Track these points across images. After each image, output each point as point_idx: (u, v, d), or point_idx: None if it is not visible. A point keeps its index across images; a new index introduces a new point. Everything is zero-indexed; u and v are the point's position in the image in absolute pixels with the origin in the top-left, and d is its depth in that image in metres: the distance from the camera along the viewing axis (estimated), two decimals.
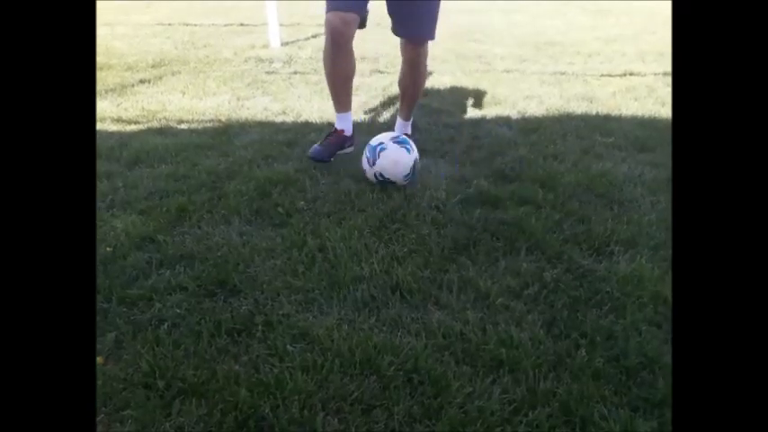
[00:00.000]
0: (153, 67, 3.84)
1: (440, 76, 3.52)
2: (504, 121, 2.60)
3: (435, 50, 4.00)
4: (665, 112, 2.76)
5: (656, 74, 3.58)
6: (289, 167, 2.02)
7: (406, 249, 1.48)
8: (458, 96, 3.04)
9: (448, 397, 1.00)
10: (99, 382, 1.04)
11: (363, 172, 1.88)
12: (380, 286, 1.31)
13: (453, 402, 0.99)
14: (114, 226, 1.60)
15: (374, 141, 1.89)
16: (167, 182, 1.89)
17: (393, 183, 1.84)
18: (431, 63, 3.85)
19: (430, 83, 3.39)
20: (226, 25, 5.79)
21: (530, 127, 2.51)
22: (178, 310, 1.23)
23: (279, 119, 2.67)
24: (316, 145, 2.02)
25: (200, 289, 1.31)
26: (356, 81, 3.34)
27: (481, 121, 2.61)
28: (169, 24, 5.83)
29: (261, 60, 4.05)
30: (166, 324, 1.19)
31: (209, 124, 2.59)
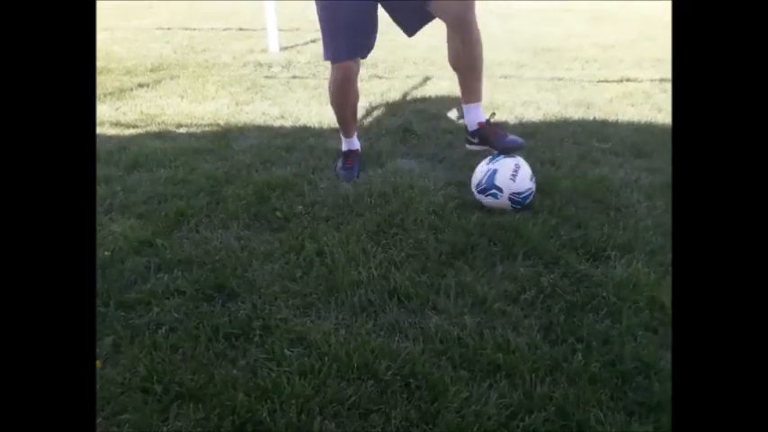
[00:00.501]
0: (152, 71, 3.85)
1: (438, 81, 3.53)
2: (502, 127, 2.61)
3: (434, 56, 4.02)
4: (662, 117, 2.78)
5: (652, 80, 3.60)
6: (287, 172, 2.03)
7: (403, 254, 1.48)
8: (456, 102, 3.05)
9: (445, 401, 1.00)
10: (97, 387, 1.04)
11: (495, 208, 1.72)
12: (378, 291, 1.32)
13: (450, 407, 0.99)
14: (113, 230, 1.60)
15: (478, 178, 1.72)
16: (166, 186, 1.90)
17: (528, 190, 1.72)
18: (429, 68, 3.90)
19: (428, 88, 3.41)
20: (225, 30, 5.81)
21: (527, 132, 2.52)
22: (176, 315, 1.23)
23: (277, 123, 2.67)
24: (342, 171, 2.00)
25: (198, 293, 1.31)
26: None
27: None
28: (168, 29, 5.85)
29: (260, 65, 4.06)
30: (164, 328, 1.19)
31: (207, 128, 2.60)
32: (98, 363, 1.12)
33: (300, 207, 1.75)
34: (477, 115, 1.94)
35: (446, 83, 3.50)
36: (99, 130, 2.57)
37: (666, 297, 1.28)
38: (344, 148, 2.12)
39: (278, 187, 1.88)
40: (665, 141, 2.37)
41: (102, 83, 3.45)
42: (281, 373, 1.06)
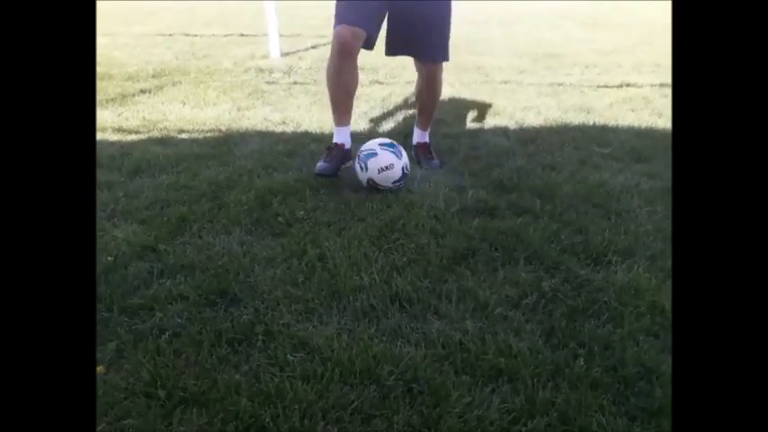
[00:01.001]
0: (154, 77, 3.87)
1: None
2: (503, 132, 2.63)
3: None
4: (662, 122, 2.80)
5: (652, 85, 3.62)
6: (288, 177, 2.04)
7: (405, 259, 1.49)
8: (456, 107, 3.07)
9: (447, 406, 1.00)
10: (100, 392, 1.04)
11: (356, 176, 1.94)
12: (380, 296, 1.32)
13: (452, 412, 0.99)
14: (115, 235, 1.61)
15: (365, 147, 1.94)
16: (168, 192, 1.91)
17: (385, 187, 1.89)
18: None
19: None
20: (226, 36, 5.85)
21: (527, 137, 2.54)
22: (179, 320, 1.24)
23: (279, 129, 2.69)
24: (320, 162, 1.99)
25: (201, 298, 1.32)
26: (356, 91, 3.38)
27: (479, 132, 2.64)
28: (170, 35, 5.88)
29: (261, 71, 4.08)
30: (167, 333, 1.19)
31: (209, 134, 2.61)
32: (102, 368, 1.12)
33: (302, 212, 1.76)
34: (421, 137, 2.29)
35: (445, 89, 3.50)
36: (101, 135, 2.59)
37: (667, 302, 1.29)
38: (334, 139, 2.06)
39: (279, 192, 1.89)
40: (666, 146, 2.38)
41: (105, 88, 3.47)
42: (283, 378, 1.07)
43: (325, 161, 2.00)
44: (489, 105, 3.09)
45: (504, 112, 2.95)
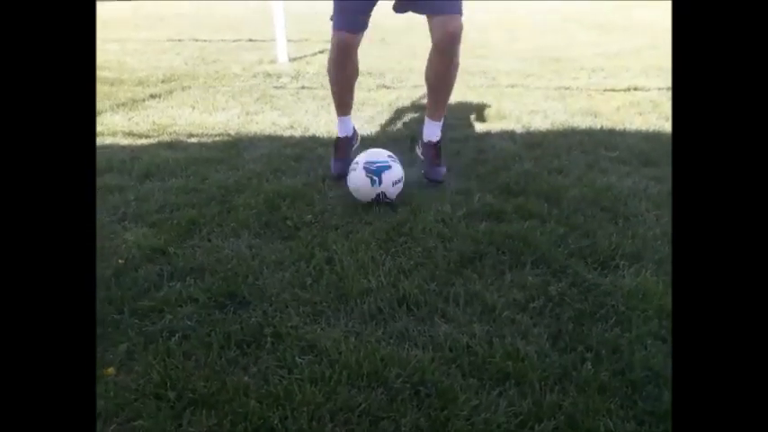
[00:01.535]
0: (163, 82, 3.91)
1: None
2: (509, 136, 2.63)
3: None
4: (669, 126, 2.78)
5: (659, 88, 3.60)
6: (297, 181, 2.05)
7: (412, 262, 1.49)
8: (463, 111, 3.08)
9: (455, 409, 1.01)
10: (111, 393, 1.06)
11: (354, 186, 1.84)
12: (387, 299, 1.33)
13: (460, 415, 1.00)
14: (126, 238, 1.63)
15: (372, 159, 1.84)
16: (178, 195, 1.93)
17: (390, 200, 1.85)
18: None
19: None
20: (234, 41, 5.90)
21: (534, 141, 2.54)
22: (189, 322, 1.25)
23: (287, 133, 2.71)
24: (333, 161, 2.06)
25: (211, 301, 1.33)
26: (363, 96, 3.41)
27: (486, 136, 2.64)
28: (179, 40, 5.95)
29: (269, 75, 4.12)
30: (177, 335, 1.21)
31: (218, 138, 2.64)
32: (112, 369, 1.14)
33: (310, 216, 1.77)
34: (431, 133, 2.06)
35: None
36: (112, 139, 2.62)
37: None
38: (337, 132, 2.12)
39: (288, 196, 1.90)
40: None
41: (115, 94, 3.51)
42: (292, 380, 1.08)
43: (337, 159, 2.04)
44: (496, 109, 3.09)
45: (511, 116, 2.95)
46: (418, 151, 2.17)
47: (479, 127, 2.81)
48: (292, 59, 4.73)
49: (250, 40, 5.88)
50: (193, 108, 3.17)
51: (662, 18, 6.86)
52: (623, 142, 2.51)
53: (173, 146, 2.51)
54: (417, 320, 1.27)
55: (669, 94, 3.46)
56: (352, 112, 2.16)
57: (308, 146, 2.49)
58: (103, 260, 1.51)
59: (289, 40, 4.80)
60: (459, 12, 1.82)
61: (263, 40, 5.62)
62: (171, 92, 3.58)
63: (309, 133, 2.70)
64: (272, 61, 4.68)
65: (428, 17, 1.84)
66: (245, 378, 1.08)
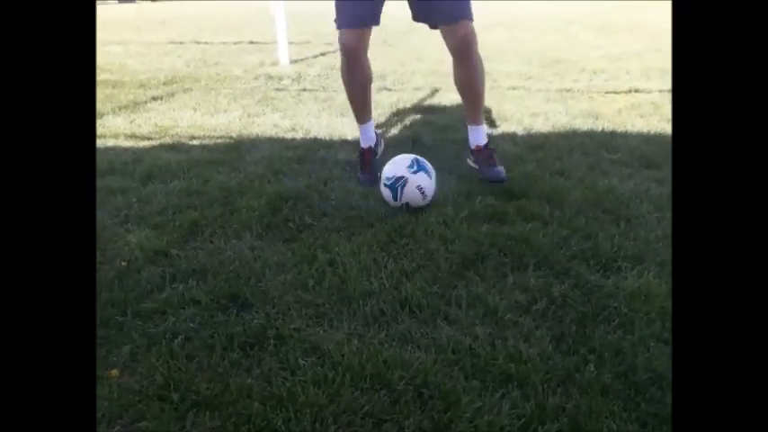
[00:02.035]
0: (165, 84, 3.92)
1: (446, 92, 3.56)
2: (511, 138, 2.63)
3: (442, 68, 4.06)
4: (671, 128, 2.79)
5: (661, 91, 3.61)
6: (299, 183, 2.06)
7: (414, 264, 1.50)
8: (464, 113, 3.08)
9: (458, 411, 1.01)
10: (114, 395, 1.06)
11: (385, 197, 1.83)
12: (390, 301, 1.33)
13: (463, 417, 1.00)
14: (128, 240, 1.63)
15: (391, 173, 1.79)
16: (180, 197, 1.93)
17: (417, 205, 1.81)
18: (437, 80, 3.93)
19: (436, 100, 3.44)
20: (236, 43, 5.92)
21: (536, 143, 2.54)
22: (191, 324, 1.25)
23: (288, 135, 2.71)
24: (360, 174, 2.04)
25: (213, 303, 1.33)
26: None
27: (488, 138, 2.64)
28: (181, 43, 5.96)
29: (270, 78, 4.13)
30: (180, 337, 1.21)
31: (220, 140, 2.64)
32: (115, 371, 1.14)
33: (312, 218, 1.78)
34: (475, 137, 2.05)
35: (454, 95, 3.51)
36: (114, 142, 2.63)
37: None
38: (360, 143, 2.11)
39: (290, 198, 1.91)
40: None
41: (117, 96, 3.52)
42: (295, 382, 1.08)
43: (363, 172, 2.04)
44: (497, 111, 3.10)
45: (513, 118, 2.95)
46: (470, 161, 2.10)
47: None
48: (294, 62, 4.74)
49: (251, 43, 5.89)
50: (195, 110, 3.18)
51: (664, 19, 6.87)
52: (625, 144, 2.51)
53: (175, 148, 2.52)
54: (420, 323, 1.27)
55: (670, 96, 3.46)
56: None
57: (310, 148, 2.49)
58: (106, 262, 1.51)
59: (290, 43, 4.81)
60: (469, 17, 1.85)
61: (265, 43, 5.64)
62: (173, 94, 3.59)
63: (311, 135, 2.70)
64: (274, 63, 4.69)
65: (441, 29, 1.89)
66: (248, 380, 1.09)
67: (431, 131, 2.71)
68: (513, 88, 3.73)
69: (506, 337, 1.21)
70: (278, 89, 3.75)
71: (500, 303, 1.32)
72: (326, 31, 6.58)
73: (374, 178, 1.94)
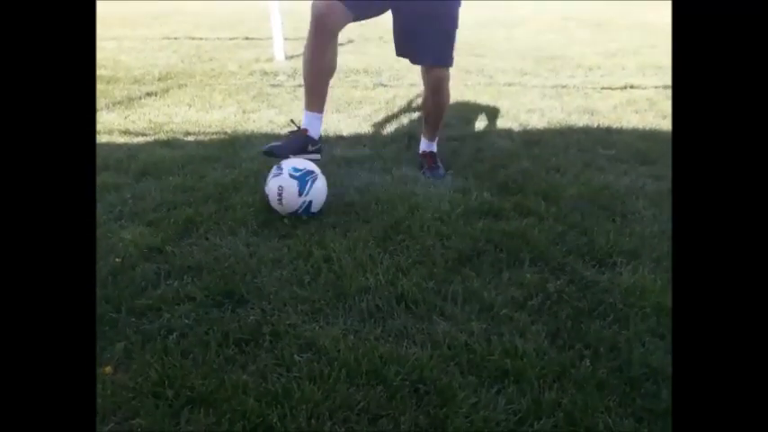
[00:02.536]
0: (159, 80, 3.89)
1: None
2: (507, 134, 2.63)
3: None
4: (666, 124, 2.79)
5: (656, 87, 3.62)
6: None
7: (410, 260, 1.49)
8: (460, 110, 3.08)
9: (453, 407, 1.01)
10: (108, 392, 1.05)
11: (275, 195, 1.71)
12: (386, 297, 1.33)
13: (459, 412, 1.00)
14: (123, 237, 1.62)
15: (298, 166, 1.73)
16: (175, 193, 1.92)
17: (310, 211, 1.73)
18: None
19: None
20: (231, 39, 5.88)
21: (532, 140, 2.54)
22: (186, 321, 1.25)
23: (284, 131, 2.69)
24: (275, 142, 1.89)
25: (208, 299, 1.33)
26: (360, 94, 3.40)
27: (484, 134, 2.64)
28: (175, 38, 5.92)
29: (266, 74, 4.10)
30: (175, 334, 1.20)
31: (215, 136, 2.63)
32: (109, 368, 1.13)
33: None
34: (424, 145, 2.22)
35: (451, 91, 3.52)
36: (108, 138, 2.61)
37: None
38: (302, 124, 1.89)
39: None
40: (670, 148, 2.38)
41: (111, 92, 3.50)
42: (290, 378, 1.07)
43: (279, 141, 1.88)
44: (493, 107, 3.09)
45: (509, 115, 2.95)
46: (418, 161, 2.23)
47: (477, 125, 2.81)
48: (289, 57, 4.72)
49: (247, 38, 5.86)
50: (190, 106, 3.16)
51: (660, 16, 6.88)
52: (620, 140, 2.52)
53: (169, 144, 2.50)
54: (416, 318, 1.27)
55: (666, 92, 3.47)
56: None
57: None
58: (100, 259, 1.50)
59: (285, 38, 4.78)
60: (446, 63, 1.96)
61: (260, 38, 5.60)
62: (167, 90, 3.57)
63: None
64: (269, 59, 4.67)
65: (420, 66, 2.01)
66: (244, 376, 1.08)
67: None
68: (509, 84, 3.73)
69: (502, 332, 1.21)
70: (273, 85, 3.74)
71: (496, 299, 1.32)
72: None
73: (283, 150, 1.81)
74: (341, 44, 2.22)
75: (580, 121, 2.85)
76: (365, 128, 2.75)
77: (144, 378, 1.08)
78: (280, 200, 1.72)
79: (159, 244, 1.57)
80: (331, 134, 2.64)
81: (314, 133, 1.90)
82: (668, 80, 3.77)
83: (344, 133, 2.62)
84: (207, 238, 1.63)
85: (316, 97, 1.86)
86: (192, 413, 1.00)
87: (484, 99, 3.30)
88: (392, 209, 1.80)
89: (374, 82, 3.77)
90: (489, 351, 1.14)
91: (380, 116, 2.98)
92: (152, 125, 2.78)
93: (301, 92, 3.68)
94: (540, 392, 1.04)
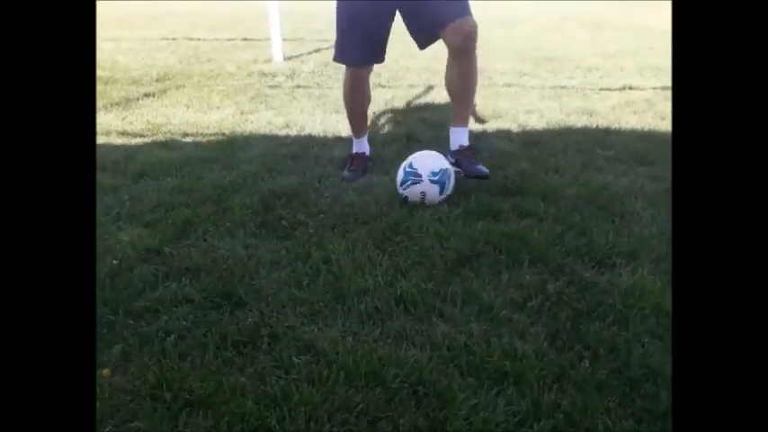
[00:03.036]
0: (157, 81, 3.89)
1: (441, 89, 3.55)
2: (505, 135, 2.63)
3: (436, 65, 4.05)
4: (665, 125, 2.80)
5: (654, 88, 3.62)
6: (293, 180, 2.04)
7: (409, 262, 1.49)
8: (453, 113, 3.07)
9: (453, 409, 1.00)
10: (106, 395, 1.04)
11: (416, 196, 1.83)
12: (384, 298, 1.32)
13: (458, 414, 0.99)
14: (120, 239, 1.62)
15: (436, 167, 1.82)
16: (173, 195, 1.91)
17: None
18: (432, 77, 3.92)
19: (431, 97, 3.44)
20: (229, 40, 5.88)
21: (530, 140, 2.54)
22: (184, 323, 1.24)
23: (282, 132, 2.70)
24: (346, 171, 2.12)
25: (206, 301, 1.32)
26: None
27: (482, 135, 2.64)
28: (173, 39, 5.91)
29: (264, 74, 4.10)
30: (173, 336, 1.20)
31: (213, 138, 2.62)
32: (107, 371, 1.12)
33: (306, 216, 1.76)
34: (459, 138, 2.01)
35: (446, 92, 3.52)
36: (106, 139, 2.60)
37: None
38: (353, 149, 2.21)
39: (284, 196, 1.89)
40: (669, 149, 2.38)
41: (109, 93, 3.49)
42: (289, 380, 1.07)
43: (350, 170, 2.12)
44: (492, 108, 3.09)
45: (507, 116, 2.95)
46: (450, 162, 2.02)
47: (476, 126, 2.81)
48: (287, 58, 4.71)
49: (245, 39, 5.85)
50: (188, 107, 3.15)
51: (659, 17, 6.89)
52: (619, 141, 2.52)
53: (167, 145, 2.49)
54: (415, 320, 1.26)
55: (664, 93, 3.47)
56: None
57: (304, 145, 2.48)
58: (98, 260, 1.49)
59: (284, 39, 4.78)
60: (469, 12, 1.89)
61: (258, 39, 5.60)
62: (165, 91, 3.56)
63: (305, 132, 2.69)
64: (267, 60, 4.66)
65: (446, 29, 1.84)
66: (242, 379, 1.08)
67: (425, 128, 2.71)
68: (508, 85, 3.73)
69: (501, 334, 1.20)
70: (271, 86, 3.73)
71: (495, 300, 1.32)
72: (320, 27, 6.56)
73: (359, 176, 2.08)
74: None
75: (579, 121, 2.85)
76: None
77: (142, 381, 1.07)
78: (423, 199, 1.84)
79: (157, 245, 1.57)
80: (330, 135, 2.64)
81: (367, 152, 2.23)
82: (667, 81, 3.78)
83: (343, 134, 2.62)
84: (205, 240, 1.62)
85: (362, 127, 2.19)
86: (191, 416, 0.99)
87: (483, 100, 3.29)
88: (391, 210, 1.79)
89: (373, 83, 3.75)
90: (489, 352, 1.14)
91: (379, 117, 2.98)
92: (150, 126, 2.78)
93: (299, 93, 3.68)
94: (539, 394, 1.04)
